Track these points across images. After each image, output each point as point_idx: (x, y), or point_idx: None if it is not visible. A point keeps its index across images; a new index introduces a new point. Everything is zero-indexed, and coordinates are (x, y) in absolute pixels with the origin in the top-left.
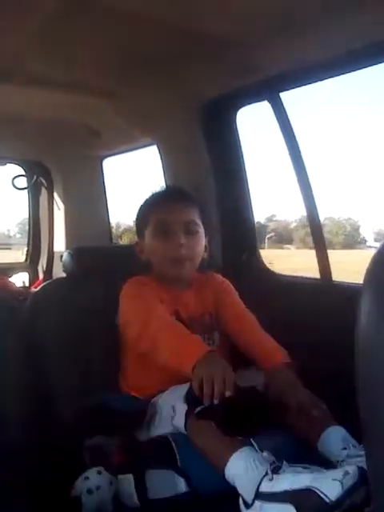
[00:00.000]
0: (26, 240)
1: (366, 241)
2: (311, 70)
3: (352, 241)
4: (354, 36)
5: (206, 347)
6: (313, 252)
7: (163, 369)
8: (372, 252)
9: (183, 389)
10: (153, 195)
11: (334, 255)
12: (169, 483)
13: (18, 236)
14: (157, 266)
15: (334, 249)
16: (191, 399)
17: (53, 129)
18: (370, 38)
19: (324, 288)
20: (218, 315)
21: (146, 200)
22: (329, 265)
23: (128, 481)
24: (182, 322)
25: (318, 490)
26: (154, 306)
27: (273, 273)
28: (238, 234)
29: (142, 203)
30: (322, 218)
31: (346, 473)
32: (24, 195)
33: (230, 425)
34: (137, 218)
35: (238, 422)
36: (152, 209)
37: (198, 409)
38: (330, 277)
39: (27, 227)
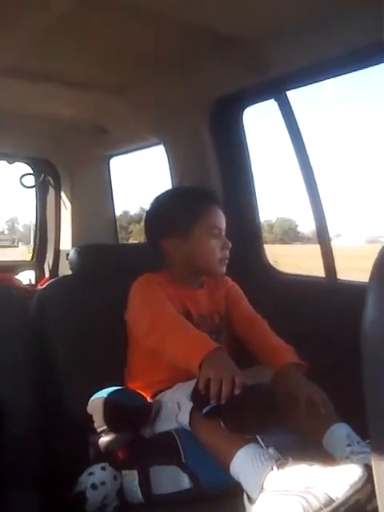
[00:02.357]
0: (13, 236)
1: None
2: (317, 69)
3: (290, 237)
4: (359, 35)
5: (214, 344)
6: None
7: (169, 366)
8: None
9: (188, 386)
10: (196, 194)
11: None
12: (173, 479)
13: (7, 233)
14: (201, 264)
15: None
16: (197, 398)
17: (60, 127)
18: (376, 36)
19: (329, 286)
20: (228, 317)
21: (188, 197)
22: (334, 264)
23: (132, 476)
24: (192, 321)
25: (324, 486)
26: (164, 304)
27: (278, 271)
28: (243, 232)
29: (178, 199)
30: (274, 218)
31: (352, 470)
32: (13, 193)
33: (236, 423)
34: (174, 214)
35: (245, 420)
36: (202, 208)
37: (206, 409)
38: (335, 275)
39: (16, 224)
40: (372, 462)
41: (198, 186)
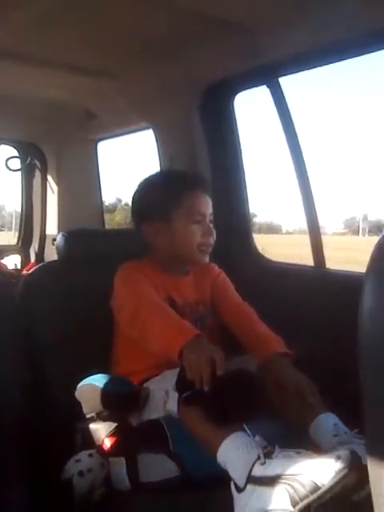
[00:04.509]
0: None
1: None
2: (310, 56)
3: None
4: (353, 23)
5: (194, 331)
6: None
7: (154, 354)
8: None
9: (175, 375)
10: (180, 178)
11: None
12: (160, 467)
13: None
14: (179, 250)
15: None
16: (182, 386)
17: (48, 110)
18: (370, 24)
19: (317, 275)
20: (214, 306)
21: (170, 181)
22: (322, 253)
23: (120, 464)
24: (175, 308)
25: (310, 474)
26: (146, 292)
27: (267, 259)
28: (232, 220)
29: (161, 183)
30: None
31: (338, 457)
32: None
33: (221, 409)
34: (155, 198)
35: (229, 405)
36: (185, 192)
37: (186, 394)
38: (324, 264)
39: (3, 212)
40: (366, 450)
41: (187, 171)
